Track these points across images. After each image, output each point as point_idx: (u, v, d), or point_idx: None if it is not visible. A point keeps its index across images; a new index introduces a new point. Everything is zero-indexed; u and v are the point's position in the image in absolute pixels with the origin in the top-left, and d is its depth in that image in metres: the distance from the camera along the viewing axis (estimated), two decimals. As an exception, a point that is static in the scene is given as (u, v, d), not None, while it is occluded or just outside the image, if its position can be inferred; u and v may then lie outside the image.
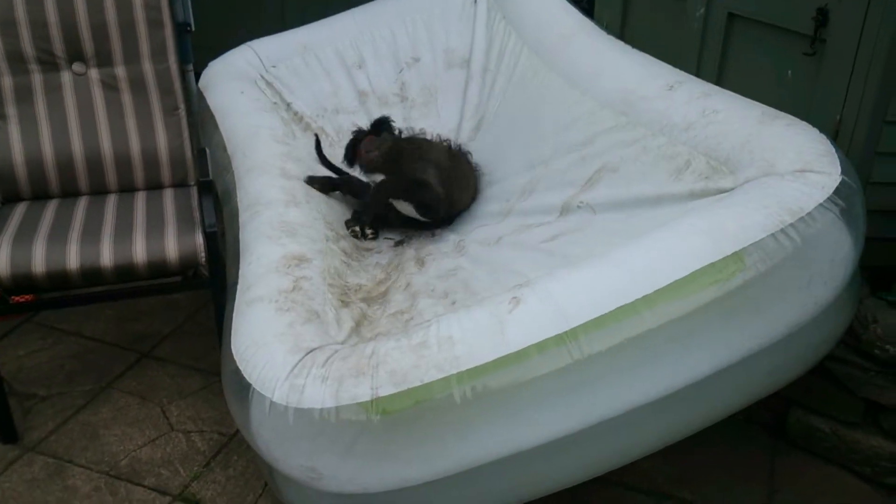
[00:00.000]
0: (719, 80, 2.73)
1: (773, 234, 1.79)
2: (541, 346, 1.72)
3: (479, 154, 3.03)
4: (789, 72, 2.52)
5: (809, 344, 2.01)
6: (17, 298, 2.84)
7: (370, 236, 2.67)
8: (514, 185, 2.72)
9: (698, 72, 2.77)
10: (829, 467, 2.42)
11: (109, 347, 2.96)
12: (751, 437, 2.53)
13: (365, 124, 3.18)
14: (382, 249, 2.63)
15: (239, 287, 2.13)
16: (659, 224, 1.94)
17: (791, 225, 1.81)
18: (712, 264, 1.76)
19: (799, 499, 2.31)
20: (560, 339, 1.72)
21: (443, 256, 2.49)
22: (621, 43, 2.76)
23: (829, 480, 2.38)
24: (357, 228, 2.65)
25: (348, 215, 2.74)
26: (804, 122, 2.11)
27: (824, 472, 2.41)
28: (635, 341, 1.74)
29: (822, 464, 2.43)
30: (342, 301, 2.14)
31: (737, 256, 1.77)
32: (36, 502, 2.30)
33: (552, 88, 2.79)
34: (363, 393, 1.71)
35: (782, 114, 2.15)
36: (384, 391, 1.71)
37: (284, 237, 2.25)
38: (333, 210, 2.69)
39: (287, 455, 1.82)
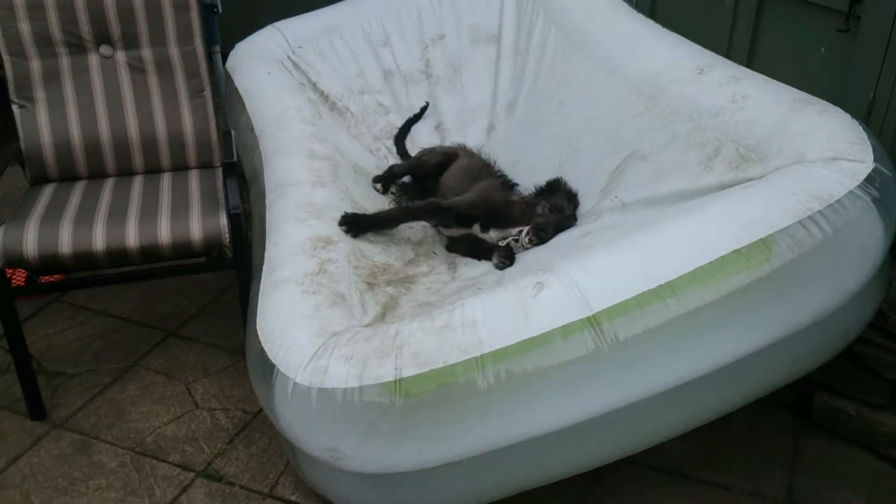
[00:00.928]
0: (751, 57, 2.69)
1: (800, 222, 1.77)
2: (564, 331, 1.72)
3: (512, 135, 3.01)
4: (822, 49, 2.48)
5: (835, 331, 1.99)
6: (45, 278, 2.89)
7: (393, 197, 2.79)
8: (543, 171, 2.70)
9: (729, 49, 2.73)
10: (854, 450, 2.40)
11: (136, 326, 2.99)
12: (775, 419, 2.52)
13: (390, 103, 3.19)
14: (414, 225, 2.63)
15: (265, 268, 2.15)
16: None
17: (820, 212, 1.78)
18: (738, 251, 1.75)
19: (822, 481, 2.30)
20: (583, 324, 1.72)
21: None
22: (650, 22, 2.73)
23: (854, 463, 2.36)
24: (379, 186, 2.79)
25: (376, 193, 2.77)
26: (836, 108, 2.07)
27: (849, 455, 2.39)
28: (659, 327, 1.73)
29: (847, 446, 2.41)
30: (368, 284, 2.15)
31: (763, 244, 1.75)
32: (63, 477, 2.34)
33: (580, 71, 2.77)
34: (387, 373, 1.73)
35: (814, 99, 2.12)
36: (408, 372, 1.72)
37: (311, 218, 2.26)
38: (360, 187, 2.69)
39: (309, 435, 1.84)
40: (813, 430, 2.48)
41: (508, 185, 2.72)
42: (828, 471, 2.34)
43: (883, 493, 2.26)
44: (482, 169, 2.76)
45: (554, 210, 2.44)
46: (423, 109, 3.19)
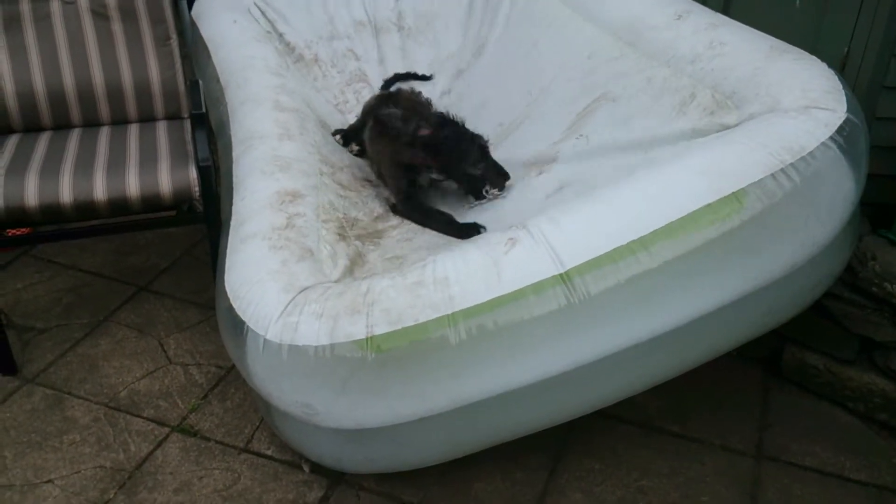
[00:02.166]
0: (726, 8, 2.66)
1: (772, 175, 1.76)
2: (536, 288, 1.71)
3: (478, 80, 2.96)
4: (797, 1, 2.45)
5: (806, 284, 2.00)
6: (12, 231, 2.84)
7: (353, 151, 2.74)
8: (510, 111, 2.68)
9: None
10: (822, 404, 2.43)
11: (107, 281, 2.96)
12: (745, 373, 2.54)
13: (361, 51, 3.13)
14: (381, 183, 2.60)
15: (232, 223, 2.11)
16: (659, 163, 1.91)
17: (791, 164, 1.77)
18: (709, 205, 1.74)
19: (791, 435, 2.33)
20: (556, 281, 1.71)
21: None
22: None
23: (822, 417, 2.40)
24: (338, 138, 2.76)
25: (343, 148, 2.73)
26: (813, 57, 2.05)
27: (817, 409, 2.42)
28: (631, 282, 1.73)
29: (816, 400, 2.45)
30: (339, 235, 2.12)
31: (735, 197, 1.75)
32: (36, 432, 2.33)
33: (557, 15, 2.72)
34: (358, 331, 1.72)
35: (791, 48, 2.09)
36: (379, 329, 1.71)
37: (278, 172, 2.22)
38: (329, 142, 2.65)
39: (282, 391, 1.84)
40: (782, 384, 2.50)
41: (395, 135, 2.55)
42: (796, 424, 2.37)
43: (850, 446, 2.30)
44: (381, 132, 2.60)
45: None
46: (424, 77, 3.09)
